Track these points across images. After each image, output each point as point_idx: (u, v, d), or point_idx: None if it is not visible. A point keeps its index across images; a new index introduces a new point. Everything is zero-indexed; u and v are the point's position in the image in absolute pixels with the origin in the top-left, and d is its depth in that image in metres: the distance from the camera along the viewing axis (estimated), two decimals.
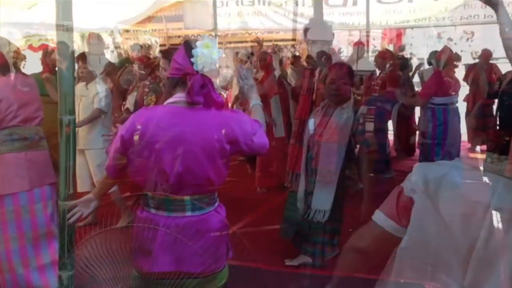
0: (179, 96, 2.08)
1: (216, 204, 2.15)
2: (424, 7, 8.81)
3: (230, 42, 11.16)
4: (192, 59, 2.03)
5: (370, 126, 4.12)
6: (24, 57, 3.56)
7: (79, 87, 4.96)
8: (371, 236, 1.57)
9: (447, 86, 5.82)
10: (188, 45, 2.09)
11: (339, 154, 3.82)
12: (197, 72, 2.03)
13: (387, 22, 9.29)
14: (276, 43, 8.84)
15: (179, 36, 11.39)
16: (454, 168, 1.50)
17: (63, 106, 2.27)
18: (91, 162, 5.05)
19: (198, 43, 2.03)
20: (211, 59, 2.03)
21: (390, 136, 7.39)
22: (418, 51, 12.75)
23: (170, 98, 2.11)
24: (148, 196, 2.05)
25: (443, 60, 5.72)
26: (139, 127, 2.02)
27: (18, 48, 3.53)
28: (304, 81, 4.87)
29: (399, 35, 12.06)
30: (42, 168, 3.39)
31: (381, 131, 6.04)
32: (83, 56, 5.13)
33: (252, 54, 8.04)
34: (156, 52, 9.05)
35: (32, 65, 6.74)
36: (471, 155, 8.03)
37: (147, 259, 2.00)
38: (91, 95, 4.98)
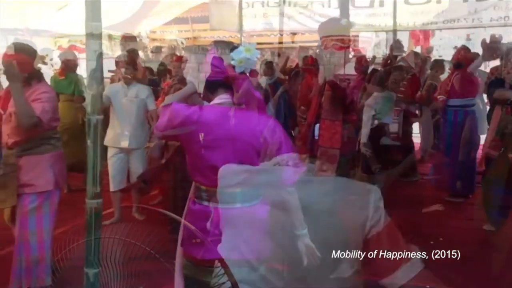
0: (224, 98, 2.23)
1: (261, 197, 2.26)
2: (452, 8, 8.67)
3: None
4: (232, 62, 2.15)
5: (394, 128, 4.11)
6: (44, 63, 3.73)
7: (118, 88, 5.06)
8: None
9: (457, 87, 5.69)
10: (224, 48, 2.27)
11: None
12: (240, 74, 2.17)
13: (414, 24, 9.17)
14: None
15: (205, 37, 11.48)
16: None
17: (92, 106, 2.31)
18: (140, 161, 5.16)
19: (240, 48, 2.16)
20: (252, 61, 2.16)
21: (416, 139, 7.30)
22: (447, 53, 12.57)
23: (216, 99, 2.25)
24: (201, 189, 2.18)
25: (458, 60, 5.65)
26: (191, 124, 2.16)
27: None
28: (316, 83, 4.84)
29: (426, 37, 11.88)
30: None
31: (406, 133, 5.97)
32: (127, 59, 5.26)
33: (278, 55, 8.07)
34: (182, 53, 9.13)
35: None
36: None
37: (200, 247, 2.14)
38: (141, 97, 5.10)
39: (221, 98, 2.24)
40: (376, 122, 4.60)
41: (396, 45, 7.54)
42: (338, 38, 3.81)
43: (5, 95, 3.49)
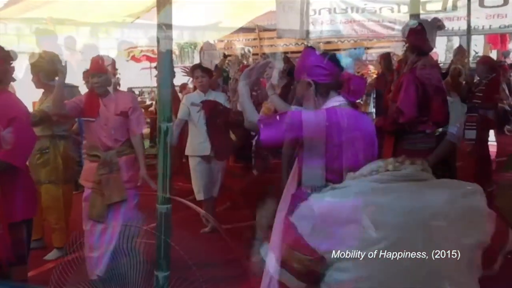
0: (340, 100, 2.32)
1: None
2: None
3: None
4: (342, 65, 2.29)
5: (471, 134, 3.93)
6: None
7: (195, 97, 5.17)
8: None
9: None
10: (333, 55, 2.34)
11: None
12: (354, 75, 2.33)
13: (490, 27, 8.76)
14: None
15: (271, 45, 11.54)
16: (358, 193, 1.49)
17: (162, 113, 2.37)
18: (221, 169, 5.25)
19: (351, 53, 2.35)
20: (352, 63, 2.33)
21: (492, 147, 6.94)
22: None
23: (331, 102, 2.32)
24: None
25: None
26: (322, 127, 2.24)
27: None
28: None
29: (503, 41, 11.32)
30: None
31: (482, 140, 5.66)
32: (202, 67, 5.37)
33: None
34: (249, 61, 9.21)
35: (135, 74, 7.16)
36: None
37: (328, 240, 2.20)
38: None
39: (337, 100, 2.31)
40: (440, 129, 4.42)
41: (458, 51, 7.21)
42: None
43: (89, 102, 3.79)
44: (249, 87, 2.55)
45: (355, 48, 2.39)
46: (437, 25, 3.80)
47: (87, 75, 5.98)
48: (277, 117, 2.31)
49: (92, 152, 3.87)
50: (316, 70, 2.31)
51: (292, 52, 10.26)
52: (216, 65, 6.10)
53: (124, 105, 3.83)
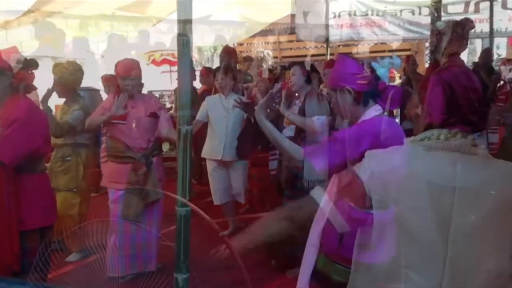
0: (379, 108, 2.28)
1: None
2: None
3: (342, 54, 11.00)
4: (378, 73, 2.28)
5: (494, 138, 3.87)
6: None
7: (216, 99, 5.16)
8: (309, 211, 1.60)
9: None
10: (370, 63, 2.35)
11: None
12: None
13: None
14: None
15: (291, 48, 11.52)
16: (408, 153, 1.57)
17: (182, 117, 2.36)
18: (240, 174, 5.18)
19: (386, 61, 2.33)
20: (386, 73, 2.31)
21: None
22: None
23: (371, 111, 2.29)
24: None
25: None
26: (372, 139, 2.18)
27: None
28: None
29: None
30: None
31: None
32: (222, 69, 5.32)
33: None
34: (268, 64, 9.22)
35: (154, 78, 7.23)
36: None
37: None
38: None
39: (377, 109, 2.29)
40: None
41: (484, 54, 7.09)
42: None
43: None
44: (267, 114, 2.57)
45: (391, 58, 2.32)
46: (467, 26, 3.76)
47: (105, 79, 6.07)
48: (329, 144, 2.24)
49: (123, 154, 3.92)
50: (355, 78, 2.27)
51: (312, 56, 10.23)
52: (211, 68, 6.02)
53: (153, 106, 4.02)
